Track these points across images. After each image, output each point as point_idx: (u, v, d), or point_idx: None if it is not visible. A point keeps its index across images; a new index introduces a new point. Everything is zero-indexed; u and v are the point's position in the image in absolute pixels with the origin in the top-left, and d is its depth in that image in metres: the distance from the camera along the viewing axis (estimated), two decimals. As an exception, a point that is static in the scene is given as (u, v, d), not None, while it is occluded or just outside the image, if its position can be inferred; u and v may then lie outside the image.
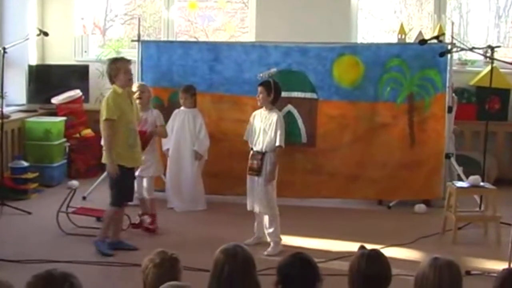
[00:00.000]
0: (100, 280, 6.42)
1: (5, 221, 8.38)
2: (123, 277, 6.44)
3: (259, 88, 7.52)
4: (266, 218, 7.54)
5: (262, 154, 7.43)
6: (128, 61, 7.41)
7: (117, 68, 7.26)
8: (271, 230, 7.50)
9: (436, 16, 11.31)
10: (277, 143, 7.36)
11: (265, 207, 7.48)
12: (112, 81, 7.29)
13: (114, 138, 7.13)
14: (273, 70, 7.83)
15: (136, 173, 7.85)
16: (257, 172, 7.44)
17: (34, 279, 3.34)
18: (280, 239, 7.51)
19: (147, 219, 8.08)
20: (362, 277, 3.99)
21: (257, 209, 7.54)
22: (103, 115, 7.13)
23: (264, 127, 7.45)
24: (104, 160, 7.23)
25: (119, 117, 7.12)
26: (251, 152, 7.57)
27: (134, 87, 8.18)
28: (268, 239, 7.52)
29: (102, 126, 7.20)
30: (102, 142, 7.28)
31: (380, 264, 4.04)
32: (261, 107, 7.60)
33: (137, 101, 7.95)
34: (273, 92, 7.45)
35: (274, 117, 7.43)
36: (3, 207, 8.73)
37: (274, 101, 7.54)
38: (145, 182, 8.24)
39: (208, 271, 4.09)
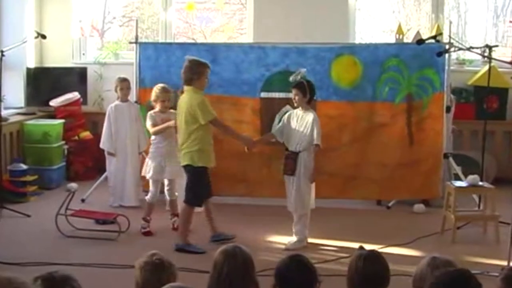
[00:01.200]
0: (99, 282, 6.41)
1: (4, 224, 8.38)
2: (122, 279, 6.43)
3: (294, 90, 7.59)
4: (295, 217, 7.63)
5: (296, 153, 7.52)
6: (209, 67, 7.64)
7: (200, 72, 7.46)
8: (298, 227, 7.60)
9: (434, 15, 11.31)
10: (315, 142, 7.43)
11: (297, 205, 7.56)
12: (189, 83, 7.45)
13: (204, 137, 7.44)
14: (303, 70, 7.83)
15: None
16: (292, 171, 7.51)
17: (35, 281, 3.34)
18: (306, 238, 7.60)
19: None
20: (360, 277, 3.99)
21: (290, 207, 7.63)
22: (205, 118, 7.34)
23: (299, 127, 7.54)
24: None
25: None
26: (286, 152, 7.64)
27: (158, 90, 8.31)
28: (294, 235, 7.61)
29: (201, 126, 7.39)
30: (228, 133, 7.96)
31: (378, 264, 4.04)
32: (297, 107, 7.68)
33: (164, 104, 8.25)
34: (308, 92, 7.55)
35: (310, 117, 7.51)
36: (2, 210, 8.72)
37: (309, 101, 7.65)
38: (167, 184, 8.37)
39: (207, 272, 4.10)
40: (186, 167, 7.52)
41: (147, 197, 8.25)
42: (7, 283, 2.91)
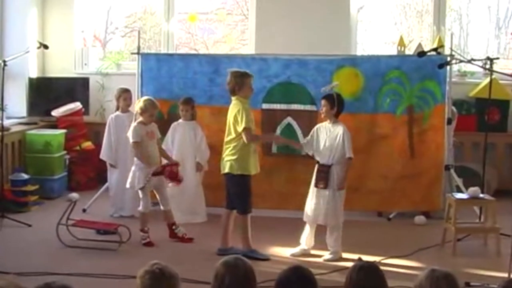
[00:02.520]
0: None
1: (5, 234, 8.38)
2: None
3: (322, 101, 7.66)
4: (329, 229, 7.67)
5: (328, 166, 7.54)
6: (252, 76, 7.87)
7: (243, 82, 7.64)
8: (333, 238, 7.64)
9: (435, 27, 11.33)
10: (347, 155, 7.47)
11: (332, 217, 7.58)
12: (234, 93, 7.64)
13: (244, 146, 7.59)
14: (335, 83, 7.88)
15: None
16: (325, 185, 7.53)
17: None
18: (340, 249, 7.64)
19: (182, 229, 8.30)
20: (356, 289, 4.00)
21: (321, 220, 7.63)
22: (241, 124, 7.50)
23: (330, 140, 7.57)
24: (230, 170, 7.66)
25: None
26: (317, 166, 7.65)
27: (148, 104, 8.30)
28: (329, 247, 7.64)
29: (240, 135, 7.57)
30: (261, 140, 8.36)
31: (375, 277, 4.04)
32: (325, 120, 7.74)
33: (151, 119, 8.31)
34: (337, 105, 7.57)
35: (339, 130, 7.55)
36: (3, 220, 8.71)
37: (337, 114, 7.66)
38: (158, 196, 8.34)
39: (208, 283, 4.10)
40: (226, 175, 7.72)
41: (140, 208, 8.19)
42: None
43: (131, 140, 8.18)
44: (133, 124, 8.27)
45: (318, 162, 7.66)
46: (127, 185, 8.32)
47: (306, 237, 7.77)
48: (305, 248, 7.78)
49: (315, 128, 7.84)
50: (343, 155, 7.49)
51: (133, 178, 8.18)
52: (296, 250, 7.78)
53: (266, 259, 7.52)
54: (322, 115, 7.74)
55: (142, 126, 8.19)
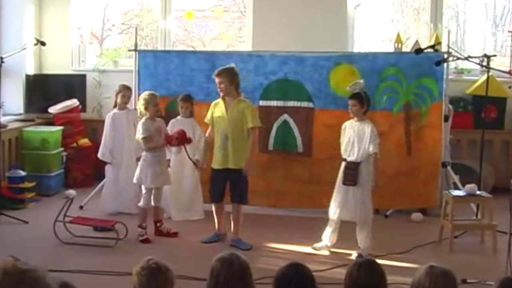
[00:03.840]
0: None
1: (2, 231, 8.38)
2: (120, 286, 6.42)
3: (352, 101, 7.68)
4: (358, 226, 7.69)
5: (357, 164, 7.55)
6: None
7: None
8: (363, 235, 7.66)
9: (432, 25, 11.33)
10: (371, 150, 7.51)
11: (361, 214, 7.61)
12: (237, 89, 8.07)
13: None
14: (360, 81, 7.91)
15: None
16: (354, 182, 7.54)
17: None
18: (371, 245, 7.65)
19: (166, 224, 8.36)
20: (357, 286, 4.00)
21: (350, 217, 7.66)
22: (256, 123, 8.02)
23: (358, 138, 7.59)
24: (251, 167, 8.08)
25: None
26: (344, 163, 7.67)
27: (147, 96, 8.32)
28: (359, 244, 7.67)
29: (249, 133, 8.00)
30: (252, 147, 8.09)
31: (375, 273, 4.05)
32: (352, 118, 7.78)
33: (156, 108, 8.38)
34: (365, 103, 7.63)
35: (368, 127, 7.60)
36: (0, 217, 8.72)
37: (365, 112, 7.72)
38: (154, 191, 8.29)
39: (205, 280, 4.10)
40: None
41: (140, 204, 8.20)
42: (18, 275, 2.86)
43: (141, 136, 8.15)
44: (141, 121, 8.25)
45: (345, 160, 7.68)
46: (134, 180, 8.30)
47: (330, 234, 7.81)
48: (328, 244, 7.81)
49: (342, 127, 7.85)
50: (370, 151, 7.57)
51: (141, 174, 8.17)
52: (318, 245, 7.82)
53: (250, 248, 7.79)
54: (351, 114, 7.75)
55: (150, 121, 8.19)
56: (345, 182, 7.60)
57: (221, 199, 8.13)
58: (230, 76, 8.00)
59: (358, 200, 7.57)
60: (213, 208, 8.24)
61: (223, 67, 8.14)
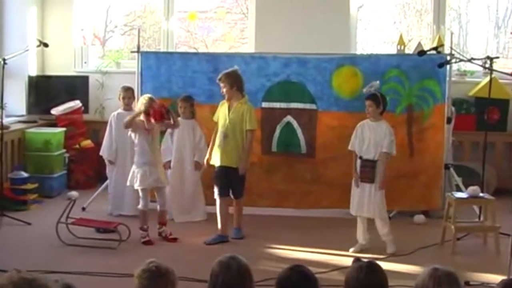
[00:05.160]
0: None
1: (5, 232, 8.38)
2: (122, 287, 6.45)
3: (368, 102, 7.84)
4: (378, 222, 7.85)
5: (374, 162, 7.71)
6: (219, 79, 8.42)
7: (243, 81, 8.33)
8: (385, 230, 7.86)
9: (435, 26, 11.33)
10: (385, 149, 7.73)
11: (380, 210, 7.81)
12: (240, 92, 8.30)
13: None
14: (377, 83, 7.97)
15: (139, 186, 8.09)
16: (372, 179, 7.71)
17: None
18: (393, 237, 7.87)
19: (166, 229, 8.30)
20: (359, 288, 3.99)
21: (371, 214, 7.83)
22: (252, 125, 8.28)
23: (375, 137, 7.74)
24: (246, 167, 8.28)
25: None
26: (360, 161, 7.81)
27: (145, 101, 8.27)
28: (384, 239, 7.88)
29: (246, 134, 8.26)
30: (247, 148, 8.28)
31: (376, 275, 4.03)
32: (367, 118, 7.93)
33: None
34: (382, 104, 7.79)
35: (385, 127, 7.80)
36: (3, 218, 8.73)
37: (382, 112, 7.89)
38: (157, 195, 8.30)
39: (206, 282, 4.10)
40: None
41: (139, 206, 8.18)
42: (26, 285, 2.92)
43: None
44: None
45: (361, 157, 7.81)
46: (127, 183, 8.31)
47: (361, 232, 7.91)
48: (363, 243, 7.89)
49: (357, 126, 7.95)
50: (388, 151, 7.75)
51: (132, 175, 8.18)
52: (355, 247, 7.88)
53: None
54: (367, 115, 7.86)
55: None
56: (363, 179, 7.76)
57: (227, 193, 8.29)
58: (230, 80, 8.24)
59: (375, 197, 7.74)
60: (218, 206, 8.29)
61: (225, 72, 8.35)
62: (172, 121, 8.26)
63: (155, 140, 8.24)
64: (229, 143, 8.21)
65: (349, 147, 7.95)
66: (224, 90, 8.27)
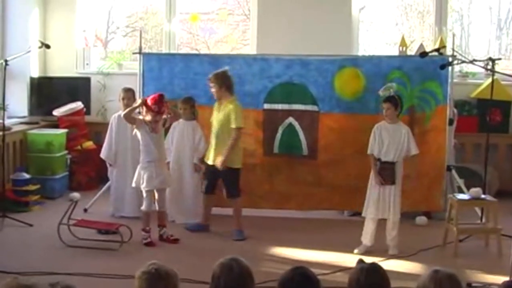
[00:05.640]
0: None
1: (7, 233, 8.38)
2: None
3: (387, 105, 7.91)
4: (390, 223, 7.95)
5: (393, 164, 7.82)
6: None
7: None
8: (394, 233, 7.93)
9: (437, 28, 11.33)
10: (414, 152, 7.94)
11: (396, 212, 7.91)
12: (229, 92, 8.45)
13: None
14: (393, 84, 8.13)
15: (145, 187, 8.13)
16: (393, 181, 7.83)
17: None
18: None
19: (167, 231, 8.29)
20: (361, 290, 3.99)
21: (389, 215, 7.89)
22: (238, 123, 8.31)
23: (395, 139, 7.83)
24: (224, 163, 8.29)
25: None
26: (379, 163, 7.85)
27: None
28: (389, 241, 7.94)
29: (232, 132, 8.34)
30: (230, 145, 8.28)
31: (379, 277, 4.03)
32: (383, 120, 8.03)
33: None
34: (399, 106, 7.93)
35: (403, 128, 7.94)
36: (5, 219, 8.72)
37: (398, 115, 8.02)
38: (157, 195, 8.28)
39: (208, 283, 4.10)
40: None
41: (143, 207, 8.19)
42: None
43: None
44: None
45: (379, 160, 7.85)
46: (133, 184, 8.30)
47: (370, 234, 7.91)
48: (369, 245, 7.91)
49: (374, 129, 7.99)
50: (407, 153, 7.88)
51: (138, 177, 8.18)
52: (359, 248, 7.88)
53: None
54: (385, 117, 7.93)
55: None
56: (385, 182, 7.81)
57: (210, 191, 8.64)
58: (218, 80, 8.41)
59: (394, 199, 7.85)
60: (203, 199, 8.73)
61: (214, 72, 8.51)
62: (169, 111, 8.34)
63: (159, 137, 8.25)
64: (218, 143, 8.37)
65: (368, 151, 7.96)
66: (213, 90, 8.44)
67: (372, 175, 7.90)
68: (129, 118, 8.18)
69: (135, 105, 8.28)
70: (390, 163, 7.80)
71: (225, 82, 8.37)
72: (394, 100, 7.86)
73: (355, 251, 7.79)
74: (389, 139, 7.82)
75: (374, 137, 7.92)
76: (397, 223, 7.88)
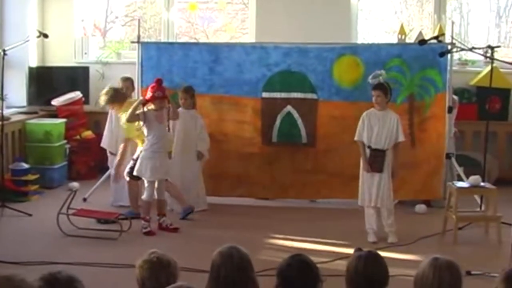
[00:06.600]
0: (100, 282, 6.40)
1: (6, 223, 8.39)
2: (123, 279, 6.41)
3: (377, 92, 7.89)
4: (384, 211, 7.90)
5: (383, 151, 7.80)
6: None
7: None
8: (391, 220, 7.91)
9: (436, 16, 11.31)
10: (401, 139, 7.91)
11: (387, 200, 7.88)
12: None
13: None
14: (383, 72, 8.08)
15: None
16: (381, 169, 7.82)
17: (39, 282, 3.32)
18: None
19: (167, 219, 8.27)
20: (360, 278, 3.98)
21: (377, 203, 7.87)
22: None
23: (385, 126, 7.83)
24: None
25: None
26: (369, 150, 7.85)
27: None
28: (387, 229, 7.91)
29: None
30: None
31: (377, 265, 4.03)
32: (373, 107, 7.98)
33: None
34: (389, 94, 7.90)
35: (393, 116, 7.92)
36: (4, 209, 8.73)
37: (387, 102, 7.97)
38: (157, 184, 8.27)
39: (208, 272, 4.10)
40: None
41: (143, 197, 8.20)
42: (5, 281, 2.91)
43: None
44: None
45: (369, 147, 7.84)
46: (134, 173, 8.29)
47: (373, 220, 7.92)
48: (376, 229, 7.91)
49: (363, 116, 7.94)
50: (395, 140, 7.83)
51: (141, 166, 8.15)
52: (369, 235, 7.88)
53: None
54: (375, 105, 7.89)
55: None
56: (373, 169, 7.80)
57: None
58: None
59: (384, 186, 7.81)
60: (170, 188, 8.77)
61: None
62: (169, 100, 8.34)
63: (164, 128, 8.23)
64: None
65: (356, 138, 7.94)
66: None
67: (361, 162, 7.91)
68: (133, 118, 8.16)
69: (134, 105, 8.21)
70: (381, 151, 7.79)
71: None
72: (384, 88, 7.84)
73: (369, 239, 7.78)
74: (378, 126, 7.81)
75: (363, 123, 7.91)
76: (392, 210, 7.89)
